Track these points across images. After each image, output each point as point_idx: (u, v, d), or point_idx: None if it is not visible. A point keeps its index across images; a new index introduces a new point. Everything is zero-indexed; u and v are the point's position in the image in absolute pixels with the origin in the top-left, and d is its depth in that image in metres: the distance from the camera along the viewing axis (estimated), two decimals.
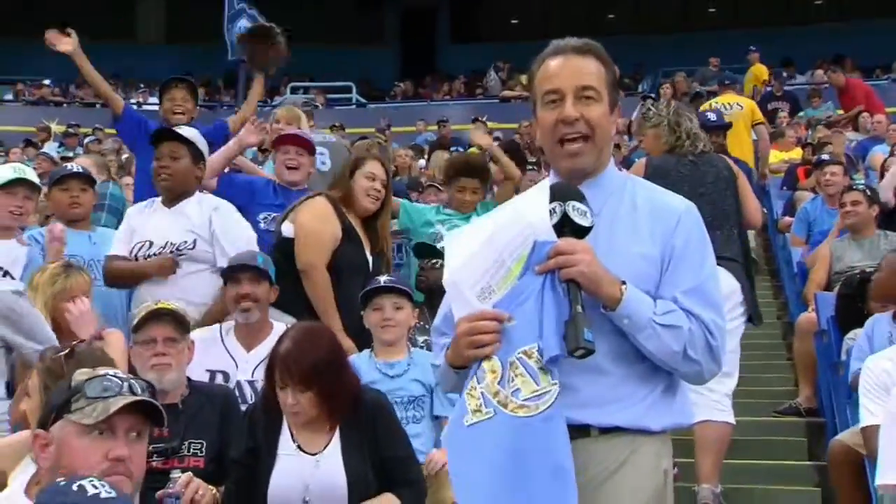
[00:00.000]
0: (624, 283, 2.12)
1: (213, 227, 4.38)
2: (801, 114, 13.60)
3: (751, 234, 6.24)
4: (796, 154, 10.90)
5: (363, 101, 20.62)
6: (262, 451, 3.15)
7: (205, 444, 3.33)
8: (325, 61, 21.33)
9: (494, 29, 26.01)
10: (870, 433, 3.68)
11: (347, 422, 3.16)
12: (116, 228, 4.92)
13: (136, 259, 4.41)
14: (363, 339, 4.06)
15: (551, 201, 2.10)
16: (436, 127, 15.23)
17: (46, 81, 20.44)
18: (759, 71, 15.20)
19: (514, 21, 26.15)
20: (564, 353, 2.00)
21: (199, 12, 21.22)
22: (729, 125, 7.30)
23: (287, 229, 4.39)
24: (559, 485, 1.98)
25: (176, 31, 24.45)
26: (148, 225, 4.46)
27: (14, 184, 4.45)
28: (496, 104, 18.21)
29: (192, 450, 3.32)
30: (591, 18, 23.75)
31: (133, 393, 2.23)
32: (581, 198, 2.11)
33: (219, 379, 3.86)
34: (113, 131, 9.22)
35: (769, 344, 7.45)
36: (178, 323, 3.49)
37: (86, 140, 13.86)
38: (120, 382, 2.24)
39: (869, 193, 6.36)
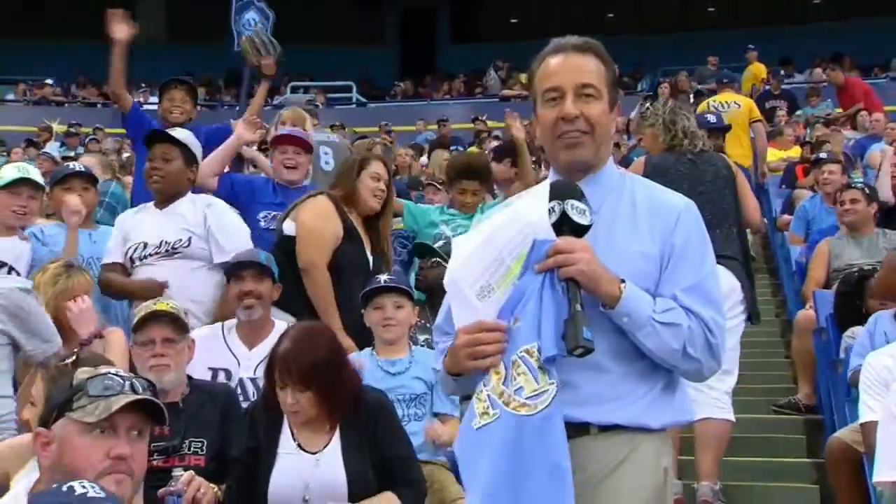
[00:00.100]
0: (623, 281, 2.12)
1: (209, 223, 4.39)
2: (799, 112, 13.57)
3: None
4: (795, 152, 10.88)
5: (363, 100, 20.62)
6: (263, 449, 3.16)
7: (206, 443, 3.34)
8: (326, 61, 21.34)
9: (494, 29, 25.97)
10: (869, 429, 3.69)
11: (348, 421, 3.17)
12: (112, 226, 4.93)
13: (132, 262, 4.42)
14: (363, 338, 4.06)
15: (550, 200, 2.09)
16: (436, 126, 15.24)
17: (48, 81, 20.41)
18: (758, 69, 15.18)
19: (513, 21, 26.12)
20: (562, 353, 2.00)
21: (199, 12, 21.26)
22: (728, 127, 7.30)
23: (289, 227, 4.41)
24: (556, 484, 1.98)
25: (176, 30, 24.43)
26: (141, 227, 4.46)
27: (18, 183, 4.46)
28: (496, 103, 18.16)
29: (192, 448, 3.33)
30: (591, 18, 23.73)
31: (135, 391, 2.23)
32: (580, 196, 2.11)
33: (221, 376, 3.87)
34: (113, 131, 9.21)
35: (768, 342, 7.45)
36: (176, 323, 3.49)
37: (86, 140, 13.85)
38: (121, 381, 2.24)
39: (867, 191, 6.36)
